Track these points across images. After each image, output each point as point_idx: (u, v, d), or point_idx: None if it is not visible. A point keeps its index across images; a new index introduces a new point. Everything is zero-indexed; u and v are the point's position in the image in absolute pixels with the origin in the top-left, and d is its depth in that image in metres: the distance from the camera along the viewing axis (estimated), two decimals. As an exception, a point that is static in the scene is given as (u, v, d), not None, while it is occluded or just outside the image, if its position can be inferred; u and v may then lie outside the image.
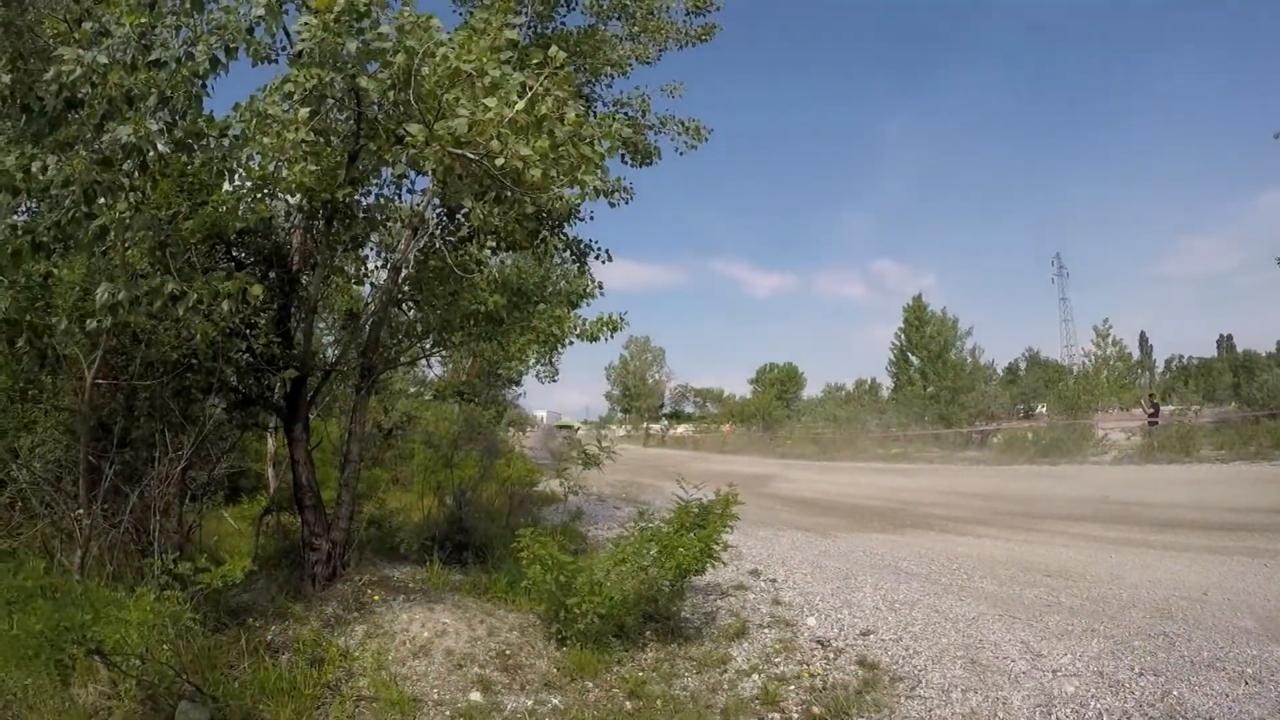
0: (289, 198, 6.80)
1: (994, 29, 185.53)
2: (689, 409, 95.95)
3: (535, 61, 5.51)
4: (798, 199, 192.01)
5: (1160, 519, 14.85)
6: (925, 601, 8.48)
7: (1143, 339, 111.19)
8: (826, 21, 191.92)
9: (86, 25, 5.20)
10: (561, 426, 60.16)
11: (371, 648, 6.36)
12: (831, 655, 6.84)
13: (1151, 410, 31.06)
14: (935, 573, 10.19)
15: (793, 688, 6.10)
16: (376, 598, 7.20)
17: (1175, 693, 5.84)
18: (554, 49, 5.39)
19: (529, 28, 9.45)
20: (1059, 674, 6.27)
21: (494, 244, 8.15)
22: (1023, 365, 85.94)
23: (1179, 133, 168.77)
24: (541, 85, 5.14)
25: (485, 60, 5.02)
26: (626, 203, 9.68)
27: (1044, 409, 47.71)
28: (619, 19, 10.00)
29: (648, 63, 10.27)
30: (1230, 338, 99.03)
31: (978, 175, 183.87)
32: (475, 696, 5.82)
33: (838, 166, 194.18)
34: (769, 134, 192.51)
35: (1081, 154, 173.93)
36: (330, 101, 5.81)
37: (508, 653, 6.54)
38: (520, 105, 4.91)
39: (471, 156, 5.07)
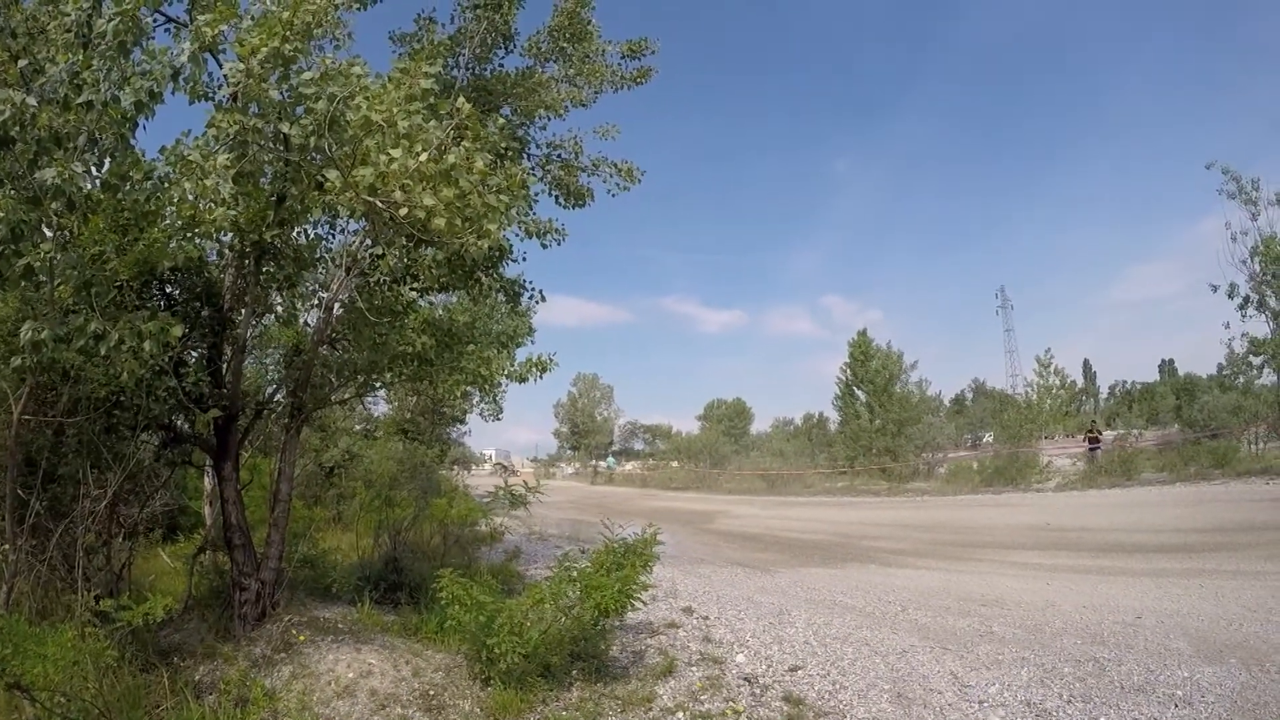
0: (220, 237, 6.78)
1: (941, 68, 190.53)
2: (638, 445, 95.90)
3: (444, 111, 5.54)
4: (747, 237, 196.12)
5: (1099, 544, 15.07)
6: (857, 635, 8.56)
7: (1086, 366, 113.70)
8: (776, 62, 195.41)
9: (21, 63, 5.19)
10: (498, 465, 59.46)
11: (296, 688, 6.28)
12: (758, 692, 6.87)
13: (1092, 438, 31.41)
14: (870, 606, 10.25)
15: (716, 726, 6.08)
16: (303, 638, 7.11)
17: (1103, 719, 5.92)
18: (461, 100, 5.44)
19: (467, 69, 9.49)
20: (985, 704, 6.35)
21: (424, 285, 8.18)
22: (969, 396, 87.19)
23: (1120, 164, 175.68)
24: (449, 136, 5.18)
25: (396, 110, 5.06)
26: (559, 244, 9.69)
27: (990, 438, 48.22)
28: (556, 61, 10.07)
29: (583, 105, 10.35)
30: (1172, 362, 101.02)
31: (925, 211, 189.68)
32: (397, 737, 5.79)
33: (787, 204, 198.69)
34: (719, 173, 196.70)
35: (1026, 188, 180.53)
36: (255, 146, 5.80)
37: (432, 693, 6.48)
38: (424, 157, 4.94)
39: (380, 205, 5.09)
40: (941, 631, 8.75)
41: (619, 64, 10.40)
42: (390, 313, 7.76)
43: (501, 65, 9.81)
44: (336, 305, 7.96)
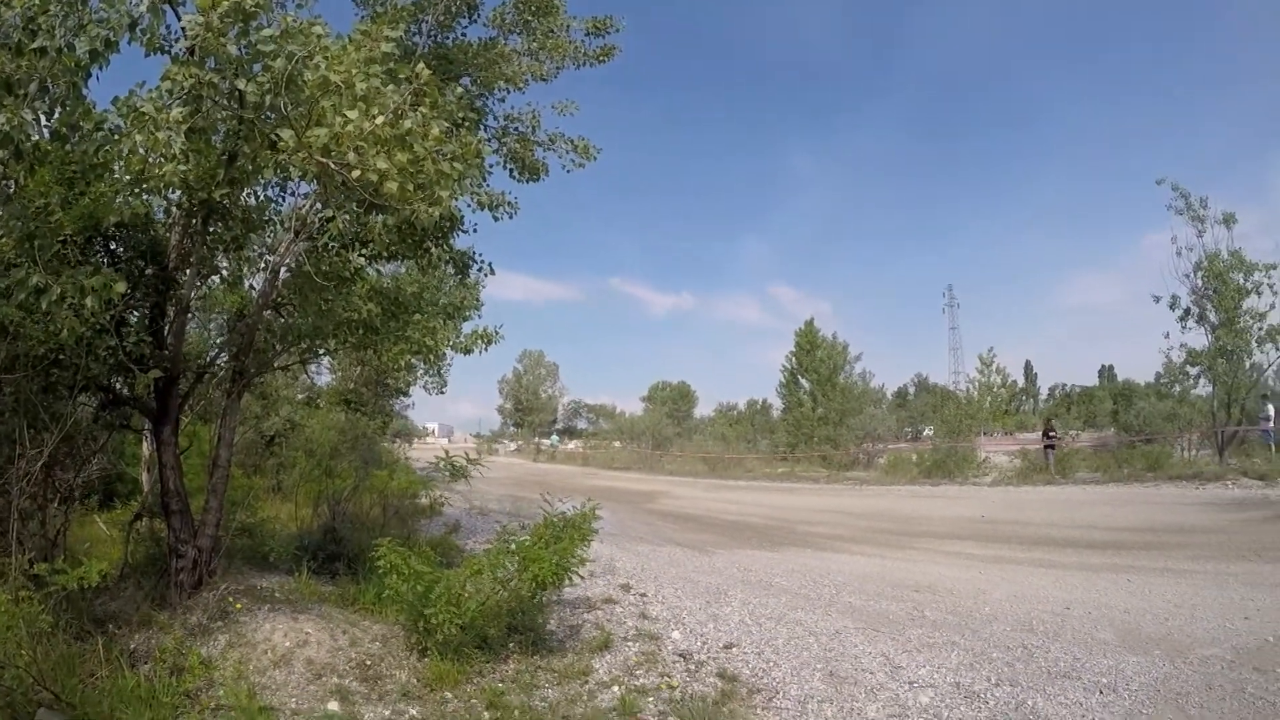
0: (168, 194, 6.66)
1: (901, 73, 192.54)
2: (581, 424, 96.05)
3: (404, 76, 5.48)
4: (701, 223, 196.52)
5: (1031, 537, 15.36)
6: (791, 616, 8.67)
7: (1028, 367, 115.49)
8: (741, 53, 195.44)
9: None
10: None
11: (233, 657, 6.22)
12: (693, 668, 6.95)
13: (1049, 435, 31.89)
14: (805, 588, 10.38)
15: (651, 699, 6.14)
16: (240, 607, 7.02)
17: (1030, 703, 6.07)
18: (420, 66, 5.39)
19: (429, 36, 9.38)
20: (916, 685, 6.47)
21: (373, 253, 8.11)
22: (911, 390, 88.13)
23: (1072, 177, 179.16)
24: (406, 100, 5.13)
25: (355, 72, 5.00)
26: (511, 217, 9.64)
27: (929, 432, 48.79)
28: (520, 34, 9.97)
29: (544, 80, 10.26)
30: (1111, 368, 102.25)
31: (878, 209, 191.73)
32: (333, 706, 5.75)
33: (743, 193, 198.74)
34: (677, 158, 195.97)
35: (979, 193, 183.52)
36: (210, 101, 5.71)
37: (368, 663, 6.46)
38: (380, 120, 4.90)
39: (334, 166, 5.04)
40: (874, 615, 8.88)
41: (583, 40, 10.30)
42: (338, 278, 7.67)
43: (464, 35, 9.70)
44: (283, 269, 7.87)
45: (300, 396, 18.92)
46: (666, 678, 6.62)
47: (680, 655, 7.28)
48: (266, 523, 10.24)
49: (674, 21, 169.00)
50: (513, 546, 7.35)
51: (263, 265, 8.34)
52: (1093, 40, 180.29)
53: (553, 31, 9.98)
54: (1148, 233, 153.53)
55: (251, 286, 8.71)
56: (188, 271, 7.57)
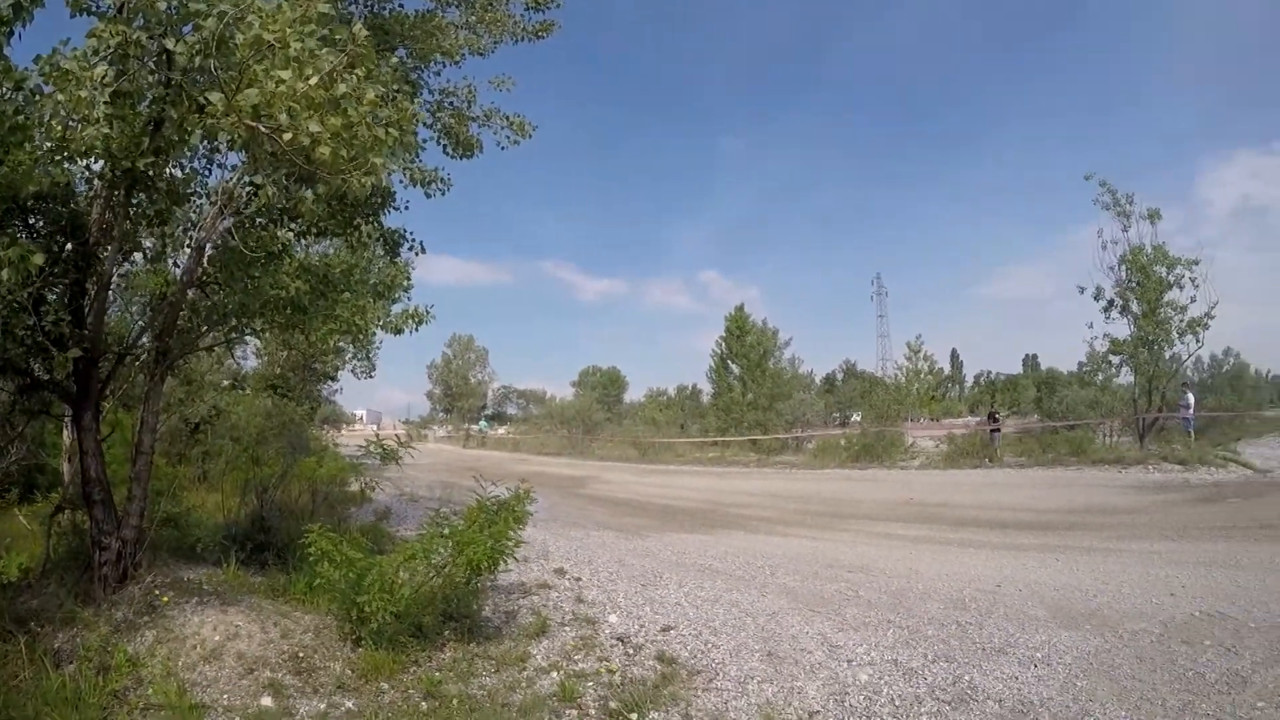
0: (90, 164, 6.40)
1: (839, 61, 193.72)
2: (512, 410, 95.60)
3: (340, 38, 5.30)
4: (631, 206, 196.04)
5: (960, 519, 15.68)
6: (727, 598, 8.68)
7: (954, 355, 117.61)
8: (676, 33, 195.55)
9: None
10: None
11: (161, 653, 6.01)
12: (631, 651, 6.91)
13: (994, 420, 32.44)
14: (740, 570, 10.41)
15: (591, 684, 6.10)
16: (167, 600, 6.78)
17: (967, 678, 6.18)
18: (358, 27, 5.21)
19: (365, 5, 9.12)
20: (854, 663, 6.54)
21: (300, 227, 7.88)
22: (840, 376, 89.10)
23: (1005, 170, 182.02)
24: (341, 63, 4.97)
25: (289, 32, 4.82)
26: (443, 194, 9.44)
27: (858, 418, 49.35)
28: (458, 7, 9.75)
29: (481, 54, 10.04)
30: (1035, 357, 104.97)
31: (810, 196, 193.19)
32: (266, 701, 5.59)
33: (674, 177, 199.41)
34: (608, 140, 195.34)
35: (911, 184, 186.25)
36: (137, 62, 5.50)
37: (301, 655, 6.29)
38: (314, 80, 4.74)
39: (264, 130, 4.86)
40: (810, 595, 8.93)
41: (522, 15, 10.14)
42: (266, 254, 7.44)
43: (401, 6, 9.43)
44: (208, 245, 7.62)
45: (225, 382, 18.52)
46: (605, 662, 6.58)
47: (618, 639, 7.23)
48: (192, 512, 9.95)
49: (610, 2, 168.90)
50: (446, 531, 7.22)
51: (187, 241, 8.07)
52: (1028, 36, 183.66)
53: (491, 5, 9.80)
54: (1073, 228, 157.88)
55: (175, 264, 8.42)
56: (109, 247, 7.29)
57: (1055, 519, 15.19)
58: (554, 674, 6.27)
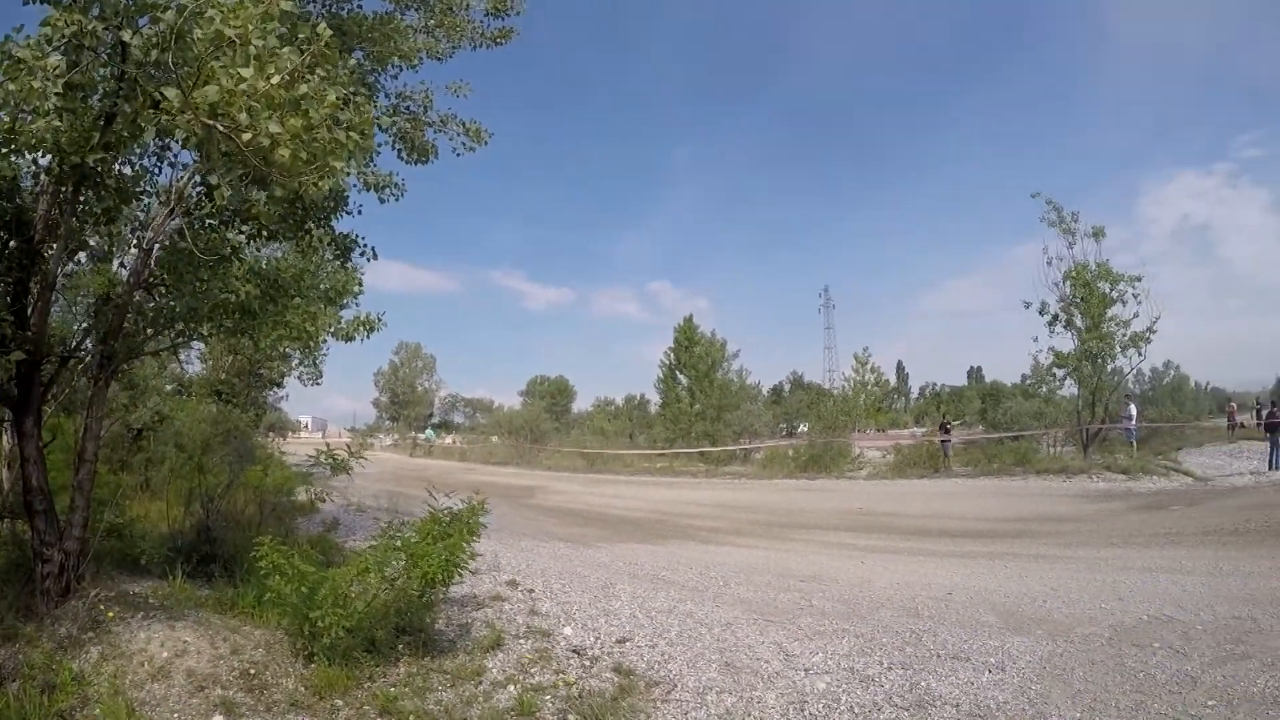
0: (37, 158, 6.22)
1: (791, 75, 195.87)
2: (459, 419, 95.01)
3: (302, 37, 5.18)
4: (581, 216, 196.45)
5: (909, 528, 15.80)
6: (681, 609, 8.65)
7: (900, 367, 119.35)
8: (626, 42, 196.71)
9: None
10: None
11: (107, 670, 5.80)
12: (588, 663, 6.84)
13: (945, 430, 32.78)
14: (693, 581, 10.40)
15: (549, 697, 6.02)
16: (113, 615, 6.55)
17: (923, 684, 6.21)
18: (322, 26, 5.10)
19: (324, 5, 8.98)
20: (811, 672, 6.53)
21: (251, 230, 7.71)
22: (787, 387, 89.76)
23: (950, 186, 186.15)
24: (304, 62, 4.86)
25: (251, 28, 4.71)
26: (397, 199, 9.32)
27: (805, 428, 49.67)
28: (417, 10, 9.64)
29: (439, 59, 9.92)
30: (980, 369, 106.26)
31: (759, 209, 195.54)
32: None
33: (624, 187, 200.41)
34: (557, 150, 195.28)
35: (859, 199, 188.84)
36: (91, 54, 5.35)
37: (253, 672, 6.10)
38: (276, 79, 4.63)
39: (221, 129, 4.74)
40: (764, 605, 8.94)
41: (481, 21, 10.05)
42: (216, 256, 7.27)
43: (359, 6, 9.30)
44: (156, 246, 7.44)
45: (169, 387, 18.19)
46: (562, 675, 6.50)
47: (574, 651, 7.16)
48: (136, 522, 9.72)
49: (562, 10, 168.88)
50: (399, 543, 7.10)
51: (134, 241, 7.87)
52: (978, 56, 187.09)
53: (451, 9, 9.70)
54: (1016, 243, 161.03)
55: (122, 264, 8.23)
56: (54, 245, 7.09)
57: (1003, 527, 15.40)
58: (511, 687, 6.17)
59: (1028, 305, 29.41)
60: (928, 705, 5.80)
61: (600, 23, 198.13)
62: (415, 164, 9.83)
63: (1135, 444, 28.11)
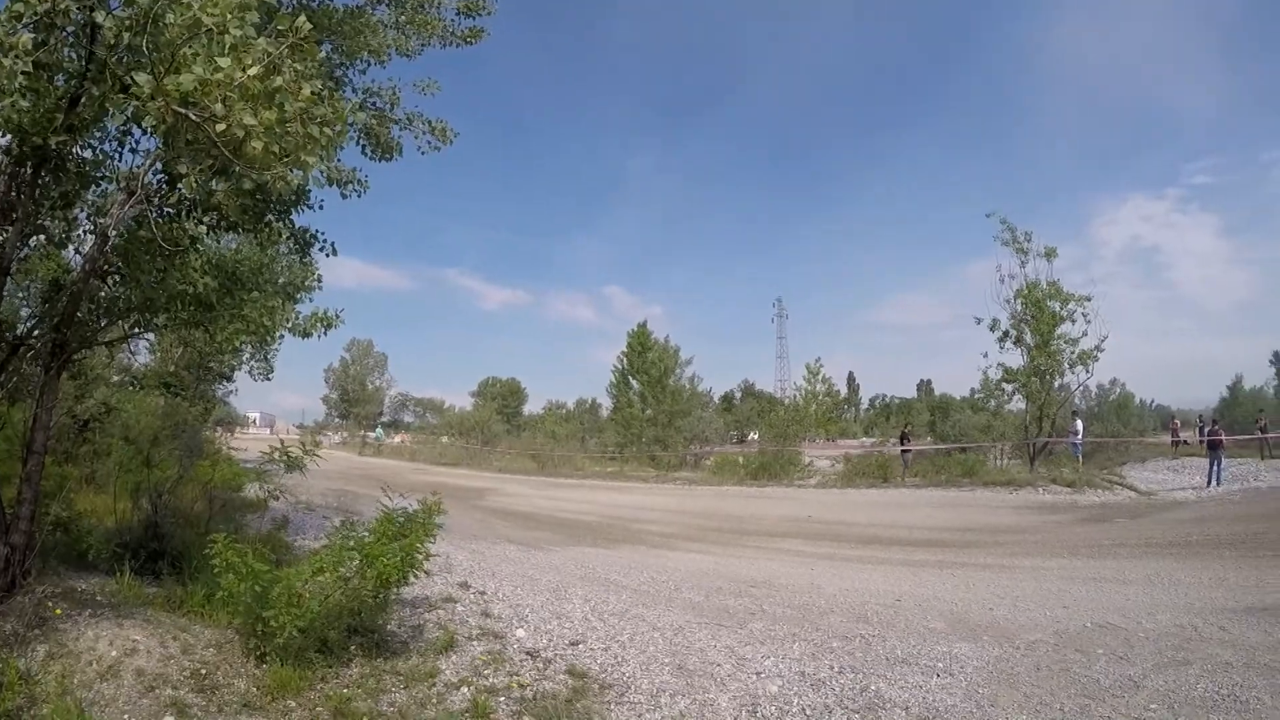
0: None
1: (749, 90, 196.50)
2: (409, 418, 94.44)
3: (281, 29, 5.11)
4: (539, 219, 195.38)
5: (858, 536, 15.99)
6: (634, 612, 8.70)
7: (850, 378, 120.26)
8: (591, 49, 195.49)
9: None
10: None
11: (55, 670, 5.67)
12: (541, 665, 6.84)
13: (905, 441, 33.09)
14: (645, 585, 10.45)
15: (503, 699, 6.01)
16: (59, 612, 6.42)
17: (873, 687, 6.33)
18: (301, 19, 5.04)
19: (294, -1, 8.89)
20: (763, 675, 6.61)
21: (212, 220, 7.59)
22: (738, 395, 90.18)
23: (906, 204, 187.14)
24: (280, 54, 4.81)
25: (229, 17, 4.65)
26: (360, 195, 9.24)
27: (756, 436, 49.96)
28: (388, 5, 9.55)
29: (408, 55, 9.83)
30: (930, 382, 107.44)
31: (715, 217, 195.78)
32: (170, 721, 5.40)
33: (582, 191, 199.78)
34: (517, 151, 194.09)
35: (814, 212, 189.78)
36: (62, 33, 5.27)
37: (204, 672, 6.02)
38: (254, 70, 4.57)
39: (194, 118, 4.67)
40: (715, 610, 9.00)
41: (452, 20, 9.99)
42: (175, 246, 7.14)
43: (331, 0, 9.29)
44: (114, 233, 7.29)
45: (116, 378, 17.90)
46: (516, 677, 6.49)
47: (528, 653, 7.15)
48: (83, 517, 9.56)
49: (527, 13, 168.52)
50: (353, 543, 7.05)
51: (91, 227, 7.72)
52: (936, 77, 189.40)
53: (423, 6, 9.64)
54: (972, 261, 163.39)
55: (77, 250, 8.06)
56: (9, 229, 6.95)
57: (950, 537, 15.61)
58: (464, 689, 6.15)
59: (979, 321, 29.97)
60: (878, 708, 5.90)
61: (563, 27, 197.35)
62: (380, 160, 9.75)
63: (1081, 458, 28.73)
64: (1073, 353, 28.41)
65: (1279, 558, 11.82)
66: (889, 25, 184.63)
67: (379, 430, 72.29)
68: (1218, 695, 6.01)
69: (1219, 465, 24.70)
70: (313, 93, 4.95)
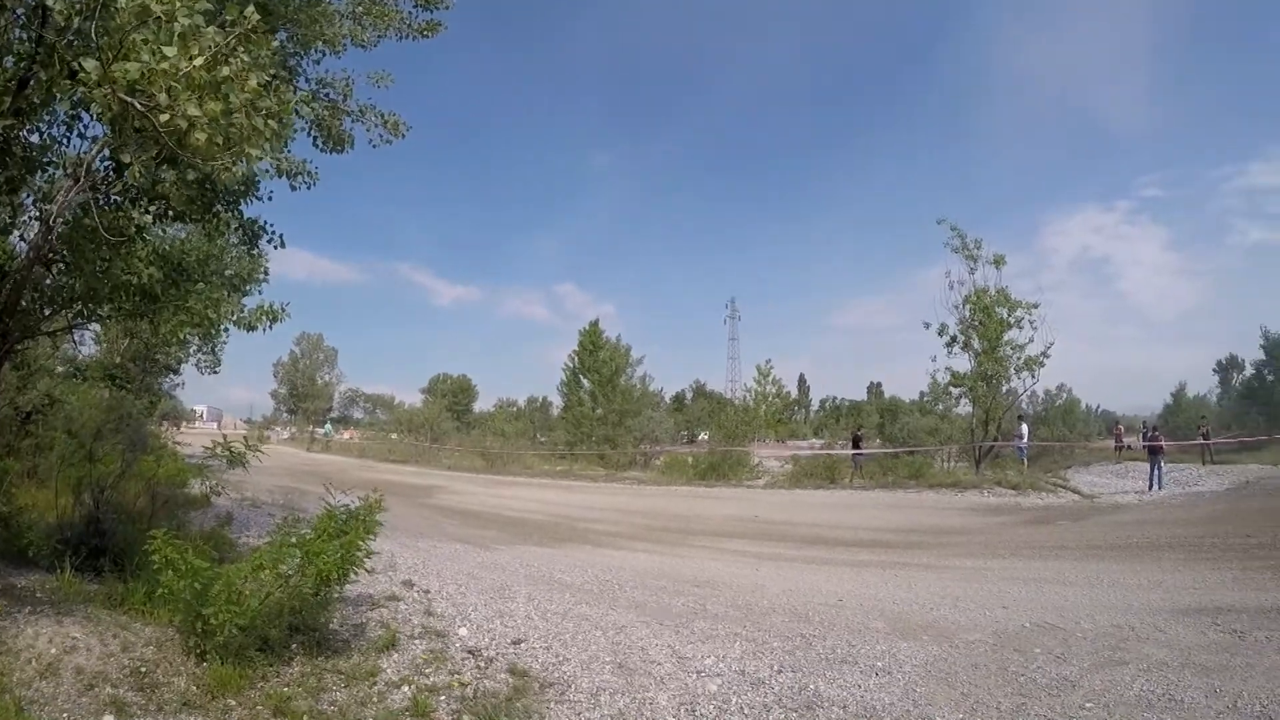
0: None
1: (711, 96, 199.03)
2: (358, 414, 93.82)
3: (230, 19, 5.07)
4: (494, 214, 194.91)
5: (803, 536, 16.12)
6: (577, 611, 8.71)
7: (801, 380, 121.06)
8: (553, 45, 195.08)
9: None
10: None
11: (-8, 668, 5.68)
12: (483, 664, 6.83)
13: (857, 444, 33.34)
14: (589, 584, 10.46)
15: (444, 698, 6.00)
16: (-2, 609, 6.45)
17: (812, 686, 6.39)
18: (250, 9, 5.01)
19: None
20: (703, 674, 6.65)
21: (159, 209, 7.51)
22: (689, 396, 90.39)
23: (863, 210, 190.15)
24: (228, 44, 4.78)
25: (178, 5, 4.60)
26: (309, 187, 9.19)
27: (705, 436, 50.14)
28: None
29: (364, 46, 9.77)
30: (880, 385, 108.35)
31: (672, 219, 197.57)
32: (109, 719, 5.36)
33: (540, 188, 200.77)
34: (472, 145, 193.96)
35: (771, 216, 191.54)
36: (13, 14, 5.21)
37: (144, 670, 5.94)
38: (199, 61, 4.55)
39: (139, 106, 4.64)
40: (658, 609, 9.04)
41: (410, 12, 9.95)
42: (121, 235, 7.05)
43: None
44: (59, 220, 7.19)
45: (60, 369, 17.61)
46: (457, 675, 6.47)
47: (469, 652, 7.13)
48: (23, 512, 9.43)
49: (485, 6, 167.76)
50: (295, 540, 7.01)
51: (37, 214, 7.60)
52: (893, 85, 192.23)
53: (382, -2, 9.60)
54: (925, 267, 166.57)
55: (22, 237, 7.93)
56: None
57: (895, 538, 15.79)
58: (405, 688, 6.12)
59: (928, 326, 30.40)
60: (816, 707, 5.96)
61: (524, 28, 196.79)
62: (331, 152, 9.69)
63: (1026, 462, 29.29)
64: (1019, 358, 29.05)
65: (1216, 560, 12.06)
66: (847, 38, 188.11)
67: (328, 426, 71.78)
68: (1153, 694, 6.13)
69: (1160, 470, 25.31)
70: (259, 84, 4.93)
